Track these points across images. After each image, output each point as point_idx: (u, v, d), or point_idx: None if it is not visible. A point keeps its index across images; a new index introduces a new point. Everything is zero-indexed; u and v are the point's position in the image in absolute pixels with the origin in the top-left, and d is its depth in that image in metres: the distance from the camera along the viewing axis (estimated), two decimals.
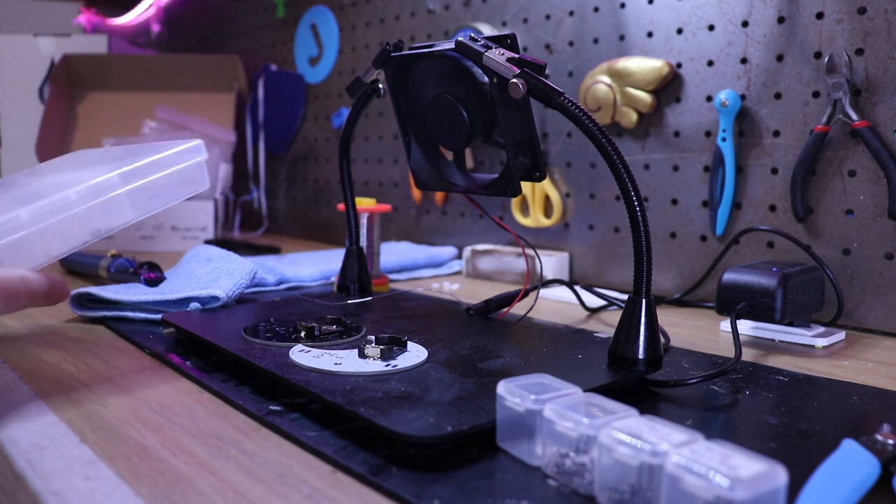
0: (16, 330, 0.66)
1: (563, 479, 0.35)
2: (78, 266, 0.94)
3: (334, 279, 0.88)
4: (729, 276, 0.64)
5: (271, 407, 0.45)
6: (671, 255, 0.87)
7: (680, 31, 0.84)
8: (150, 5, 1.96)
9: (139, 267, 0.81)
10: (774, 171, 0.77)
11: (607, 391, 0.41)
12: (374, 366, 0.48)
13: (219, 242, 1.11)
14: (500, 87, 0.52)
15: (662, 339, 0.62)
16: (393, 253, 1.05)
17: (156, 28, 1.98)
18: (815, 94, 0.73)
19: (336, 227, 1.42)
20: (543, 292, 0.86)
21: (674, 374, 0.53)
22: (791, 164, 0.75)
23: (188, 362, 0.55)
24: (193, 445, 0.40)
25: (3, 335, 0.64)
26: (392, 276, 0.97)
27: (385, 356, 0.49)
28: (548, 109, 0.99)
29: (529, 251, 0.91)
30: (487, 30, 1.06)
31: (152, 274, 0.78)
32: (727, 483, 0.28)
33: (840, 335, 0.67)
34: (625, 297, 0.80)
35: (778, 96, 0.76)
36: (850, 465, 0.35)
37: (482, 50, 0.53)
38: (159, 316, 0.67)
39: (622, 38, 0.90)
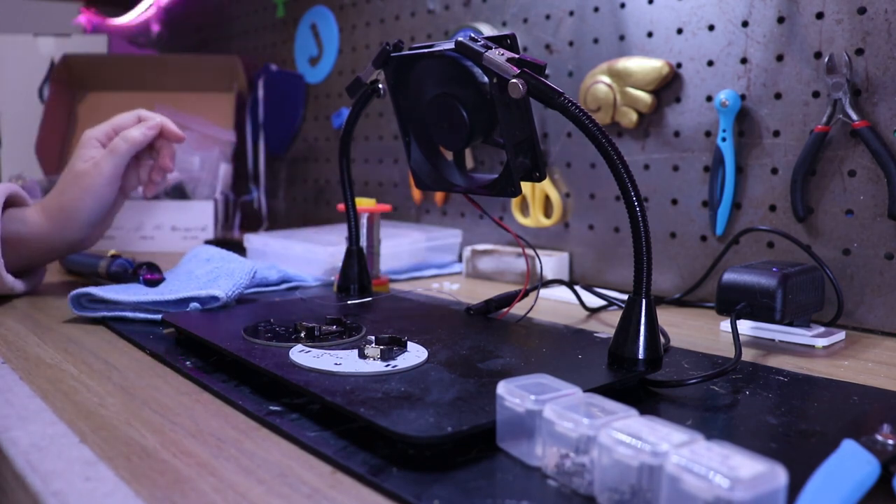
0: (16, 330, 0.66)
1: (563, 480, 0.35)
2: (77, 266, 0.94)
3: (335, 279, 0.88)
4: (729, 276, 0.64)
5: (271, 407, 0.45)
6: (671, 255, 0.87)
7: (680, 31, 0.84)
8: (150, 5, 1.96)
9: (138, 267, 0.81)
10: (774, 171, 0.77)
11: (607, 391, 0.41)
12: (374, 366, 0.48)
13: (219, 242, 1.11)
14: (500, 87, 0.52)
15: (662, 339, 0.62)
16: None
17: (156, 28, 1.98)
18: (815, 94, 0.73)
19: None
20: (543, 292, 0.86)
21: (674, 374, 0.53)
22: (791, 164, 0.75)
23: (188, 362, 0.55)
24: (193, 445, 0.40)
25: (3, 335, 0.64)
26: (392, 276, 0.97)
27: (385, 356, 0.49)
28: (548, 109, 0.99)
29: (529, 251, 0.91)
30: (487, 30, 1.06)
31: (150, 275, 0.78)
32: (727, 483, 0.28)
33: (840, 335, 0.67)
34: (625, 297, 0.80)
35: (778, 96, 0.76)
36: (850, 465, 0.35)
37: (482, 50, 0.53)
38: (159, 316, 0.67)
39: (622, 38, 0.90)
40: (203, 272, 0.75)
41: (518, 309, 0.68)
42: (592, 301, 0.80)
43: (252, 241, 1.04)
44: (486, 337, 0.58)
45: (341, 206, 0.78)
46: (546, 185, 0.99)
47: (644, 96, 0.86)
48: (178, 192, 1.34)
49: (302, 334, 0.55)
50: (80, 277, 0.94)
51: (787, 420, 0.44)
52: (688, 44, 0.83)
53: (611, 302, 0.79)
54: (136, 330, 0.65)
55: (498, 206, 1.07)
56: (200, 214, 1.27)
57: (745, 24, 0.78)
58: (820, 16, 0.72)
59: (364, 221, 0.86)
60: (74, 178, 0.82)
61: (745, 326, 0.67)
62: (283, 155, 1.55)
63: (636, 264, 0.47)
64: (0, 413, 0.45)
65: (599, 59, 0.92)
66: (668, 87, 0.86)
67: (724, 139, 0.79)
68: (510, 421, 0.38)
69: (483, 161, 1.10)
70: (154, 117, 0.87)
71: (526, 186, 0.98)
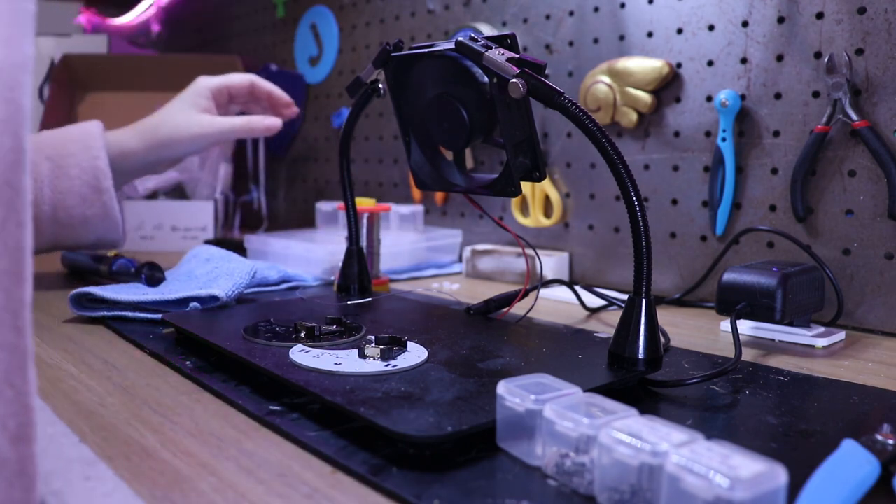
0: None
1: (563, 479, 0.35)
2: (79, 265, 0.94)
3: (335, 279, 0.88)
4: (729, 276, 0.64)
5: (271, 407, 0.45)
6: (671, 255, 0.87)
7: (680, 31, 0.84)
8: (150, 5, 1.96)
9: (141, 267, 0.81)
10: (774, 171, 0.77)
11: (607, 391, 0.41)
12: (374, 366, 0.48)
13: (219, 242, 1.11)
14: (500, 87, 0.52)
15: (662, 339, 0.62)
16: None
17: (156, 28, 1.98)
18: (815, 94, 0.73)
19: None
20: (543, 292, 0.86)
21: (674, 374, 0.53)
22: (791, 164, 0.75)
23: (188, 362, 0.55)
24: (193, 445, 0.40)
25: None
26: (392, 276, 0.97)
27: (385, 356, 0.49)
28: (548, 109, 0.99)
29: (529, 251, 0.91)
30: (487, 30, 1.06)
31: (152, 274, 0.78)
32: (727, 483, 0.28)
33: (840, 335, 0.67)
34: (625, 297, 0.80)
35: (778, 96, 0.76)
36: (850, 465, 0.35)
37: (482, 50, 0.53)
38: (159, 316, 0.67)
39: (622, 38, 0.90)
40: (203, 272, 0.75)
41: (518, 309, 0.68)
42: (592, 301, 0.80)
43: (252, 241, 1.04)
44: (486, 337, 0.58)
45: (341, 206, 0.78)
46: (546, 185, 0.99)
47: (644, 96, 0.86)
48: (178, 192, 1.34)
49: (302, 334, 0.55)
50: (81, 277, 0.94)
51: (787, 420, 0.44)
52: (688, 44, 0.83)
53: (611, 302, 0.79)
54: (136, 330, 0.65)
55: (498, 206, 1.07)
56: (200, 214, 1.27)
57: (745, 24, 0.78)
58: (820, 16, 0.72)
59: (364, 221, 0.86)
60: (186, 118, 0.92)
61: (745, 326, 0.67)
62: (283, 155, 1.55)
63: (636, 264, 0.47)
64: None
65: (599, 59, 0.92)
66: (668, 87, 0.86)
67: (724, 139, 0.79)
68: (510, 420, 0.38)
69: (483, 161, 1.10)
70: (268, 117, 0.96)
71: (526, 186, 0.98)
